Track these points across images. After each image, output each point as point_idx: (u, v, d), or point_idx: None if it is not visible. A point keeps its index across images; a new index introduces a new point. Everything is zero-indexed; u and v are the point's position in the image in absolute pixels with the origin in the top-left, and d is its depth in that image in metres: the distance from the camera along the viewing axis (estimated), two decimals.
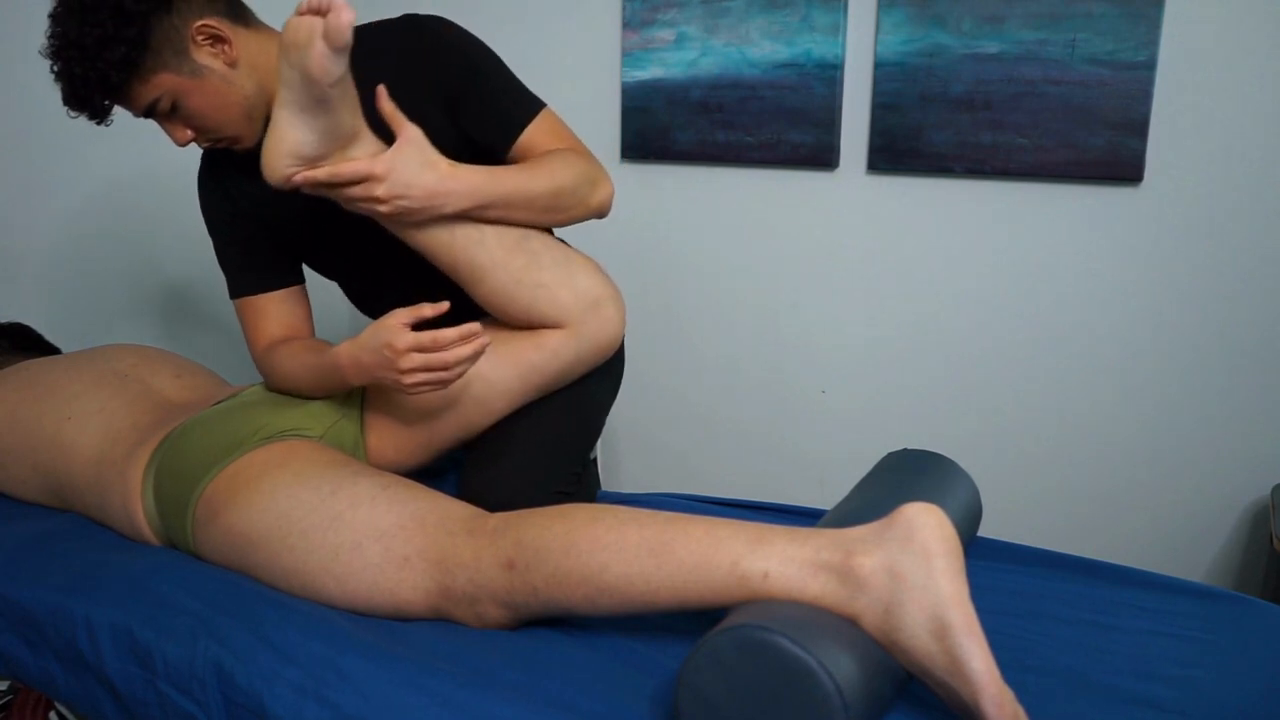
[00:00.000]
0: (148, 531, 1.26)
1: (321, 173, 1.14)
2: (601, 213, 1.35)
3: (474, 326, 1.17)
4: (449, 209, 1.20)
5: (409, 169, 1.16)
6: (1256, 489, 1.83)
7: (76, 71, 1.17)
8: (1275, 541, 1.65)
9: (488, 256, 1.24)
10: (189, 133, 1.26)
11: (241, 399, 1.34)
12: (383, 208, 1.17)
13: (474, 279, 1.26)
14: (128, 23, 1.15)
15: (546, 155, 1.30)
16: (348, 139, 1.16)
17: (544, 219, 1.29)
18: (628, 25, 2.13)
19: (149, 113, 1.24)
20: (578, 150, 1.34)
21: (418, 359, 1.16)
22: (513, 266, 1.25)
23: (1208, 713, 0.94)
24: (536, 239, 1.28)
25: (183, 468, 1.22)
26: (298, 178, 1.15)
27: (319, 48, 1.05)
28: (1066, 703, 0.95)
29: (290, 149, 1.13)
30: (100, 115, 1.22)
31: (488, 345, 1.19)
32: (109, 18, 1.15)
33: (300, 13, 1.06)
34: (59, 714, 1.42)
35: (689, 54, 2.08)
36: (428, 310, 1.18)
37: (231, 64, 1.23)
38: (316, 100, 1.10)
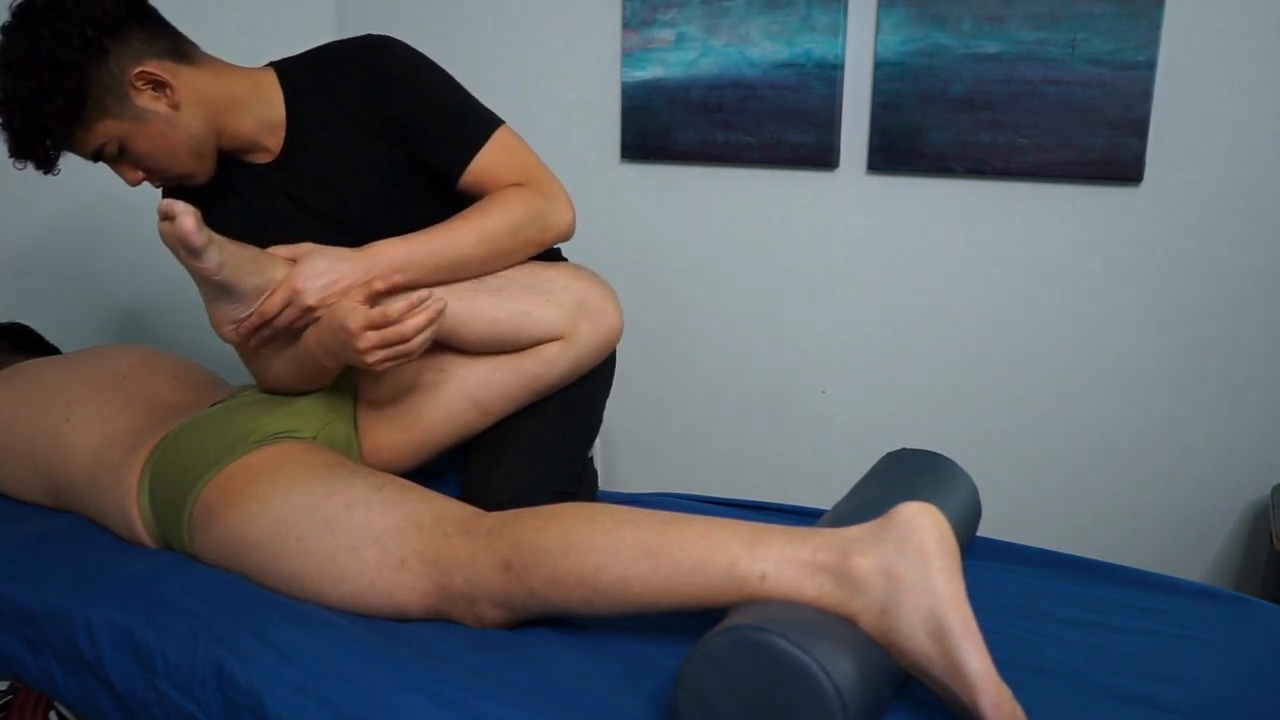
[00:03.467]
0: (144, 535, 1.26)
1: (251, 320, 1.21)
2: (561, 240, 1.34)
3: (423, 294, 1.16)
4: (378, 286, 1.19)
5: (321, 270, 1.20)
6: (1256, 489, 1.82)
7: (18, 125, 1.17)
8: (1275, 541, 1.65)
9: (452, 317, 1.24)
10: (139, 174, 1.27)
11: (236, 401, 1.34)
12: (313, 315, 1.20)
13: (456, 340, 1.27)
14: (63, 74, 1.15)
15: (481, 204, 1.29)
16: (262, 288, 1.19)
17: (490, 268, 1.29)
18: (628, 25, 2.13)
19: (96, 157, 1.25)
20: (531, 177, 1.31)
21: (374, 336, 1.14)
22: (482, 310, 1.26)
23: (1208, 713, 0.94)
24: (494, 277, 1.29)
25: (177, 472, 1.22)
26: (240, 332, 1.22)
27: (183, 255, 1.12)
28: (1066, 703, 0.95)
29: (226, 321, 1.22)
30: (47, 165, 1.22)
31: (444, 308, 1.17)
32: (44, 69, 1.15)
33: (160, 220, 1.11)
34: (59, 714, 1.42)
35: (689, 54, 2.08)
36: (378, 285, 1.18)
37: (175, 106, 1.23)
38: (217, 286, 1.17)
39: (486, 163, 1.30)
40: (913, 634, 0.86)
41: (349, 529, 1.10)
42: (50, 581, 1.17)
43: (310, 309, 1.19)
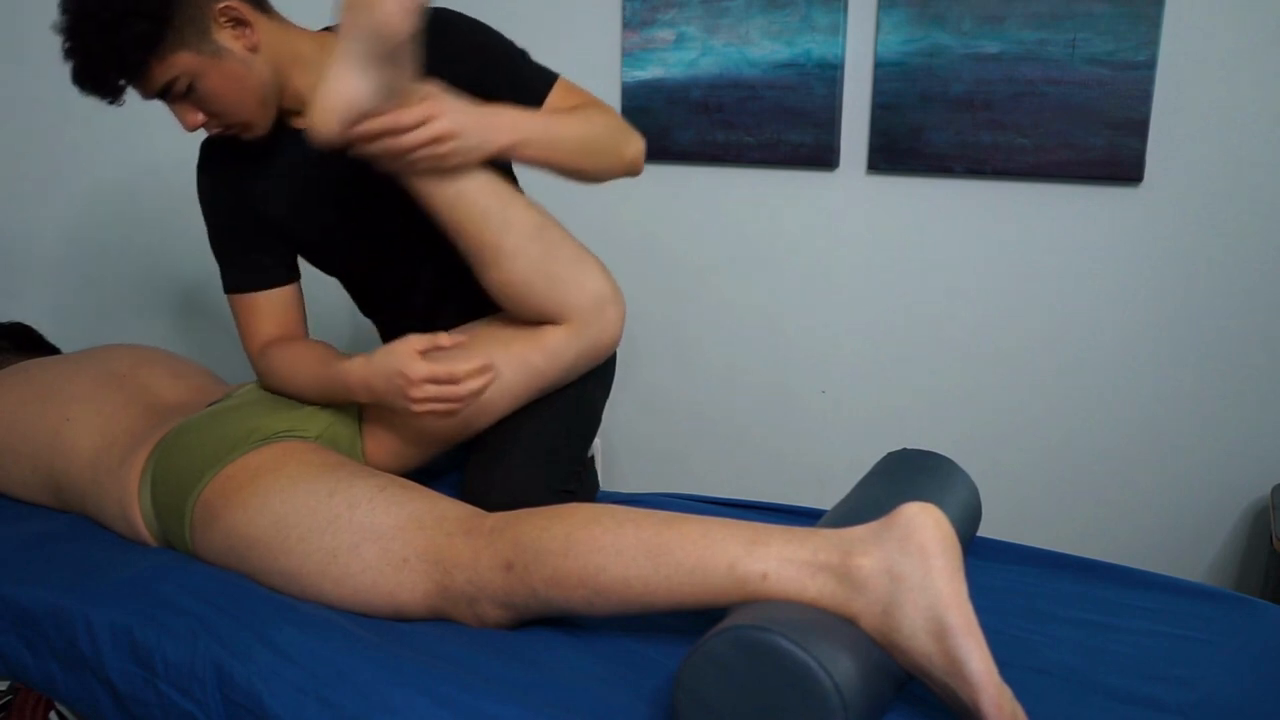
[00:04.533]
0: (146, 534, 1.26)
1: (384, 120, 1.12)
2: (635, 169, 1.35)
3: (487, 361, 1.18)
4: (495, 143, 1.19)
5: (458, 107, 1.17)
6: (1256, 489, 1.82)
7: (93, 47, 1.13)
8: (1275, 541, 1.65)
9: (509, 241, 1.23)
10: (200, 116, 1.23)
11: (236, 400, 1.34)
12: (443, 148, 1.15)
13: (492, 262, 1.25)
14: None
15: (574, 108, 1.31)
16: (402, 98, 1.14)
17: (580, 163, 1.29)
18: (628, 25, 2.13)
19: (162, 94, 1.20)
20: (602, 106, 1.34)
21: (430, 390, 1.17)
22: (531, 254, 1.24)
23: (1208, 713, 0.94)
24: (555, 230, 1.27)
25: (179, 471, 1.22)
26: (359, 128, 1.12)
27: (399, 1, 1.04)
28: (1066, 703, 0.95)
29: (348, 101, 1.10)
30: (113, 95, 1.18)
31: (496, 378, 1.20)
32: None
33: None
34: (59, 714, 1.42)
35: (689, 54, 2.08)
36: (445, 340, 1.19)
37: (252, 49, 1.22)
38: (385, 54, 1.08)
39: (555, 102, 1.32)
40: (914, 634, 0.86)
41: (351, 528, 1.10)
42: (50, 581, 1.17)
43: (439, 139, 1.15)
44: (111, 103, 1.19)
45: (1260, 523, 1.83)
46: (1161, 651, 1.04)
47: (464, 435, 1.34)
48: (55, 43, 1.17)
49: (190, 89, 1.20)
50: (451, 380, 1.16)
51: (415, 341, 1.19)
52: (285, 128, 1.32)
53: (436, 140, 1.15)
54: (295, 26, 1.30)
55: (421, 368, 1.16)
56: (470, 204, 1.21)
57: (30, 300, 1.89)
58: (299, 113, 1.30)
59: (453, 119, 1.15)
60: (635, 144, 1.34)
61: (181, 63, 1.17)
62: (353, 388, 1.24)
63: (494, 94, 1.30)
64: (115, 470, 1.28)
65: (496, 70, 1.31)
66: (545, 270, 1.25)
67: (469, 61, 1.30)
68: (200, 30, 1.17)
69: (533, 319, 1.28)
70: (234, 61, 1.20)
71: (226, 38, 1.20)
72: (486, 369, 1.18)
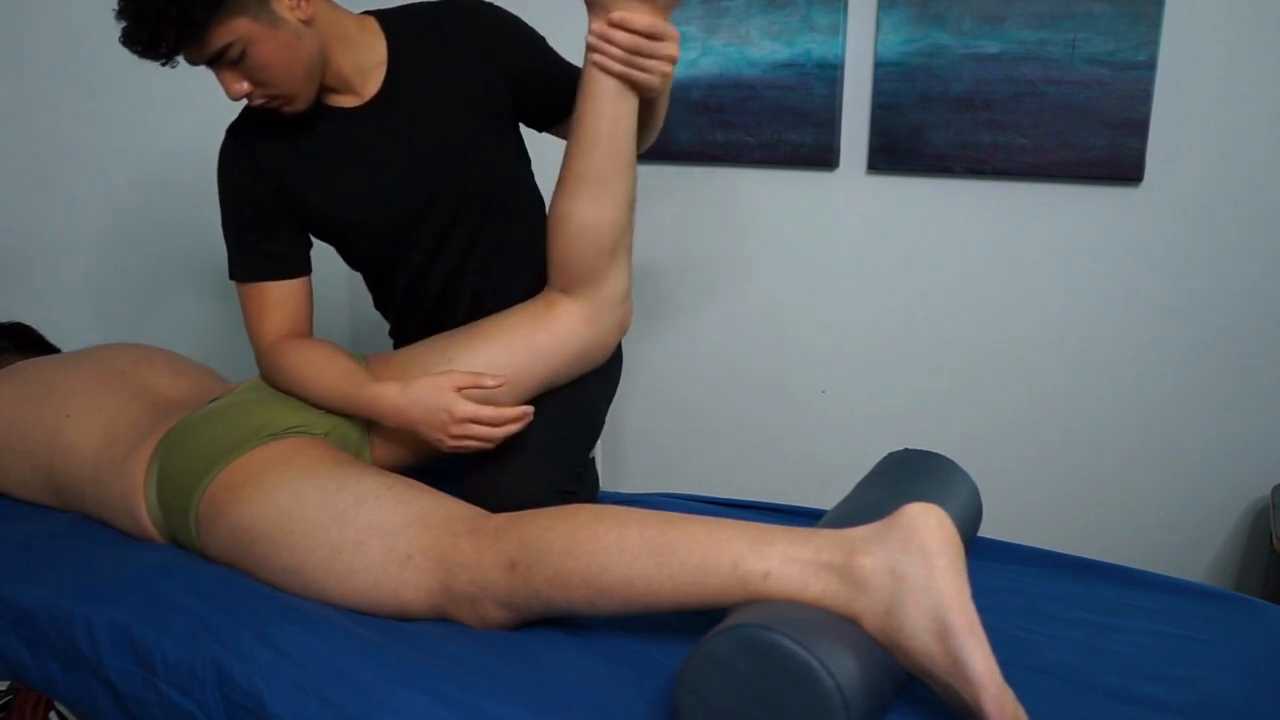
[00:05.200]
0: (151, 529, 1.26)
1: (644, 19, 1.15)
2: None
3: (528, 409, 1.23)
4: (669, 81, 1.25)
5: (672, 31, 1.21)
6: (1256, 489, 1.83)
7: (155, 4, 1.12)
8: (1275, 541, 1.65)
9: (619, 188, 1.26)
10: (246, 85, 1.23)
11: (242, 395, 1.34)
12: (669, 69, 1.20)
13: (593, 195, 1.25)
14: None
15: None
16: (666, 3, 1.17)
17: (658, 127, 1.39)
18: None
19: (213, 59, 1.20)
20: None
21: (472, 429, 1.20)
22: (621, 216, 1.27)
23: (1208, 713, 0.94)
24: (634, 218, 1.32)
25: (186, 464, 1.22)
26: (618, 15, 1.15)
27: None
28: (1066, 703, 0.95)
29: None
30: (167, 56, 1.17)
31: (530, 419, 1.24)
32: None
33: None
34: (59, 714, 1.42)
35: (689, 54, 2.08)
36: (489, 382, 1.22)
37: (307, 21, 1.23)
38: None
39: None
40: (916, 633, 0.86)
41: (357, 524, 1.11)
42: (50, 581, 1.17)
43: (672, 58, 1.19)
44: (164, 64, 1.19)
45: (1260, 523, 1.83)
46: (1161, 651, 1.04)
47: None
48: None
49: (243, 56, 1.20)
50: (495, 422, 1.20)
51: (458, 379, 1.21)
52: (322, 106, 1.33)
53: (669, 61, 1.20)
54: (341, 7, 1.32)
55: (468, 408, 1.19)
56: (621, 133, 1.23)
57: (30, 300, 1.88)
58: (338, 90, 1.33)
59: (676, 37, 1.20)
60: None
61: (239, 28, 1.18)
62: (384, 413, 1.26)
63: (531, 93, 1.37)
64: (119, 465, 1.28)
65: (543, 74, 1.37)
66: (616, 237, 1.28)
67: (523, 49, 1.37)
68: None
69: (564, 270, 1.30)
70: (288, 32, 1.22)
71: (284, 8, 1.21)
72: (526, 414, 1.22)
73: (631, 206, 1.28)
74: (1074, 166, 1.81)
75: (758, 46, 2.02)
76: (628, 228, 1.29)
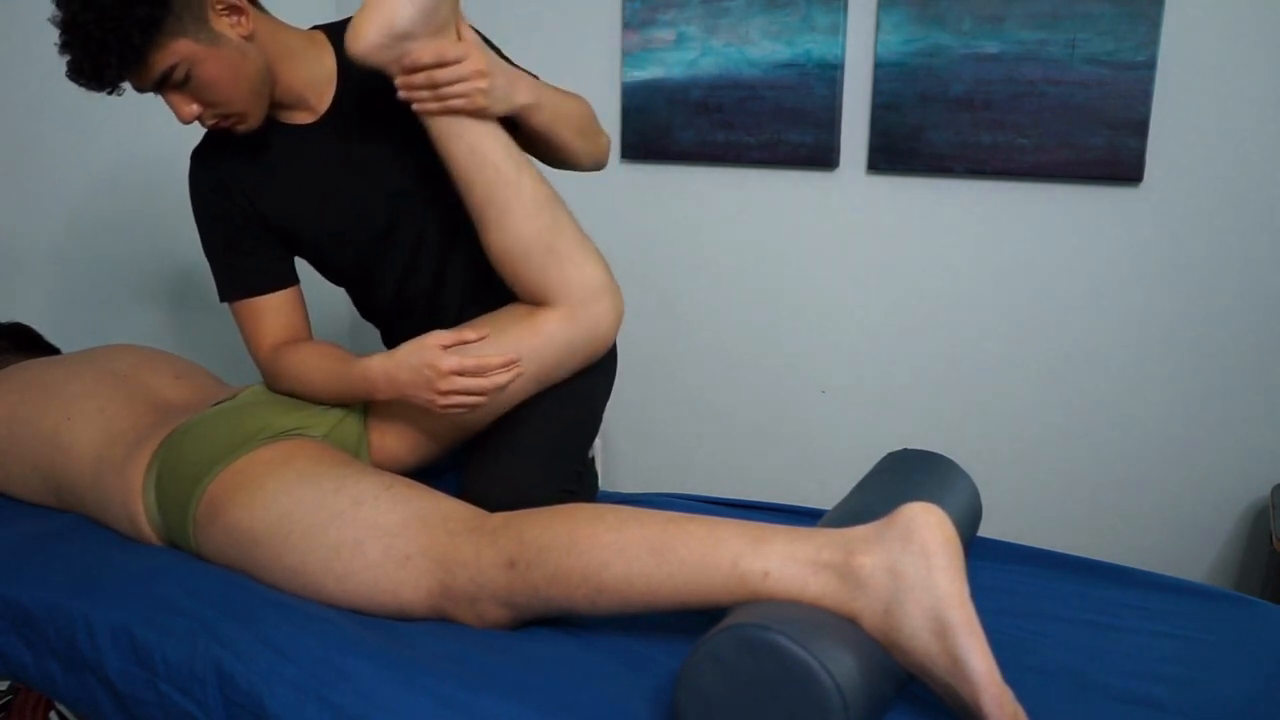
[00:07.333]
0: (149, 531, 1.26)
1: (433, 49, 1.15)
2: (603, 161, 1.42)
3: (515, 355, 1.21)
4: (517, 99, 1.23)
5: (489, 54, 1.22)
6: (1256, 489, 1.83)
7: (94, 34, 1.12)
8: (1275, 541, 1.65)
9: (517, 203, 1.24)
10: (196, 107, 1.23)
11: (243, 399, 1.34)
12: (481, 83, 1.18)
13: (497, 223, 1.26)
14: None
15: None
16: (439, 28, 1.17)
17: (573, 141, 1.34)
18: (628, 25, 2.13)
19: (159, 84, 1.20)
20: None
21: (458, 382, 1.19)
22: (536, 221, 1.25)
23: (1208, 713, 0.94)
24: (562, 209, 1.29)
25: (185, 467, 1.22)
26: (407, 60, 1.15)
27: None
28: (1066, 703, 0.95)
29: (387, 18, 1.13)
30: (110, 85, 1.18)
31: (522, 374, 1.23)
32: None
33: None
34: (59, 714, 1.42)
35: (689, 54, 2.08)
36: (470, 335, 1.21)
37: (247, 37, 1.23)
38: None
39: None
40: (915, 633, 0.86)
41: (355, 524, 1.11)
42: (50, 581, 1.17)
43: (477, 75, 1.18)
44: (110, 93, 1.19)
45: (1260, 523, 1.83)
46: (1161, 651, 1.04)
47: (468, 433, 1.35)
48: (48, 41, 1.17)
49: (188, 78, 1.20)
50: (479, 372, 1.19)
51: (441, 336, 1.21)
52: (277, 124, 1.33)
53: (477, 76, 1.18)
54: (282, 22, 1.31)
55: (451, 360, 1.18)
56: (485, 157, 1.23)
57: (29, 300, 1.88)
58: (292, 106, 1.32)
59: (487, 61, 1.19)
60: (606, 136, 1.42)
61: (181, 49, 1.18)
62: (375, 382, 1.25)
63: None
64: (119, 467, 1.28)
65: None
66: (548, 242, 1.25)
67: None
68: (198, 17, 1.18)
69: (527, 294, 1.28)
70: (231, 49, 1.21)
71: (223, 24, 1.21)
72: (513, 362, 1.21)
73: (546, 205, 1.26)
74: (1074, 166, 1.81)
75: (758, 46, 2.02)
76: (555, 226, 1.26)
